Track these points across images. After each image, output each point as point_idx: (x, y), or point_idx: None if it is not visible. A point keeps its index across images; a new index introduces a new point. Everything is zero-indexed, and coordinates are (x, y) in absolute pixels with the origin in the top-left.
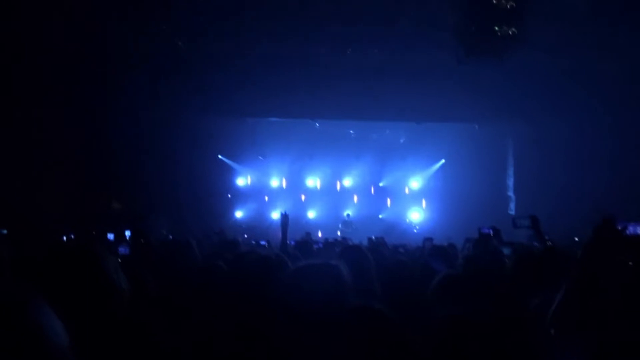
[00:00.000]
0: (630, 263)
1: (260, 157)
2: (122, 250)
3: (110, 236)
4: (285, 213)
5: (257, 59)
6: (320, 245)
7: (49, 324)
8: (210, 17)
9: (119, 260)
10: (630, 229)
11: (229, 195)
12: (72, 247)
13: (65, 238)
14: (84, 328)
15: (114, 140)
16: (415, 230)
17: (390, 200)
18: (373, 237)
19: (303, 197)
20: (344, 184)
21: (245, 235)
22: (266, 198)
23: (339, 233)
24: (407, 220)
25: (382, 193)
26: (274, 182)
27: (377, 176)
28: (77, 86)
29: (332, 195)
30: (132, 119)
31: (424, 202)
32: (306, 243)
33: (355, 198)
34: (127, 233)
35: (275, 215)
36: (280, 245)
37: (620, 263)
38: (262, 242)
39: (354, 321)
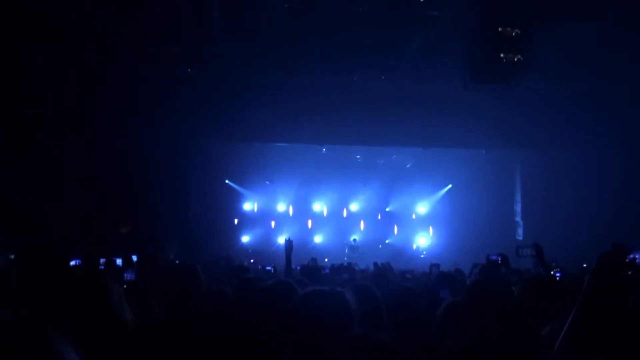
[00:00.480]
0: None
1: (267, 182)
2: (129, 276)
3: (119, 261)
4: (290, 239)
5: (265, 85)
6: (327, 271)
7: (65, 352)
8: (219, 44)
9: (125, 286)
10: (637, 257)
11: (236, 220)
12: (77, 276)
13: (72, 263)
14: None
15: (122, 165)
16: (422, 256)
17: (397, 226)
18: (379, 263)
19: (310, 222)
20: (350, 209)
21: (252, 260)
22: (273, 223)
23: (345, 258)
24: (414, 246)
25: (389, 218)
26: (281, 207)
27: (384, 201)
28: (87, 110)
29: (338, 221)
30: (141, 143)
31: (431, 227)
32: (314, 268)
33: (362, 223)
34: (134, 258)
35: (282, 240)
36: (285, 270)
37: (627, 290)
38: (268, 268)
39: (356, 350)
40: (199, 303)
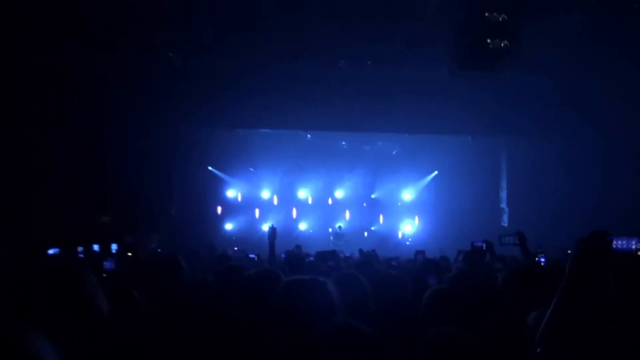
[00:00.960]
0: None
1: (251, 169)
2: (108, 265)
3: (96, 247)
4: (273, 226)
5: (249, 71)
6: (312, 258)
7: (39, 346)
8: (203, 30)
9: (104, 275)
10: (618, 243)
11: (219, 208)
12: (52, 267)
13: (51, 252)
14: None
15: (103, 152)
16: (407, 243)
17: (383, 213)
18: (364, 249)
19: (294, 210)
20: (336, 196)
21: (235, 248)
22: (257, 211)
23: (331, 246)
24: (400, 233)
25: (375, 205)
26: (265, 194)
27: (370, 188)
28: (66, 97)
29: (323, 208)
30: (123, 131)
31: (416, 214)
32: (298, 256)
33: (347, 210)
34: (114, 246)
35: (266, 227)
36: (268, 258)
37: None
38: (251, 255)
39: (339, 342)
40: (181, 292)
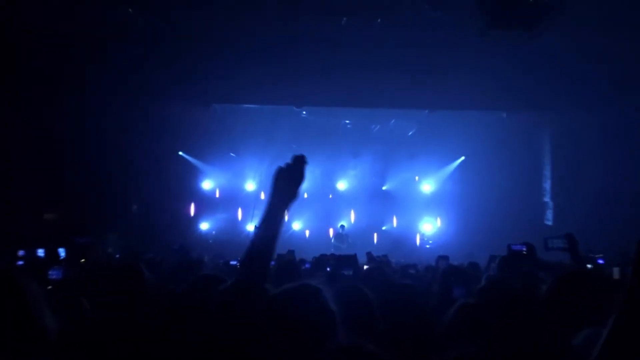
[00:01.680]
0: None
1: (232, 155)
2: (54, 274)
3: (40, 252)
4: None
5: (228, 32)
6: (308, 265)
7: None
8: None
9: (50, 287)
10: None
11: (192, 207)
12: None
13: None
14: None
15: (48, 136)
16: (428, 246)
17: (396, 209)
18: (374, 254)
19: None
20: (338, 188)
21: (215, 254)
22: (239, 210)
23: (332, 250)
24: (418, 234)
25: (386, 199)
26: (250, 186)
27: (380, 178)
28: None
29: (323, 203)
30: (70, 108)
31: (438, 211)
32: (290, 264)
33: (352, 210)
34: (62, 251)
35: (251, 227)
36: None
37: None
38: (233, 262)
39: None
40: (142, 307)
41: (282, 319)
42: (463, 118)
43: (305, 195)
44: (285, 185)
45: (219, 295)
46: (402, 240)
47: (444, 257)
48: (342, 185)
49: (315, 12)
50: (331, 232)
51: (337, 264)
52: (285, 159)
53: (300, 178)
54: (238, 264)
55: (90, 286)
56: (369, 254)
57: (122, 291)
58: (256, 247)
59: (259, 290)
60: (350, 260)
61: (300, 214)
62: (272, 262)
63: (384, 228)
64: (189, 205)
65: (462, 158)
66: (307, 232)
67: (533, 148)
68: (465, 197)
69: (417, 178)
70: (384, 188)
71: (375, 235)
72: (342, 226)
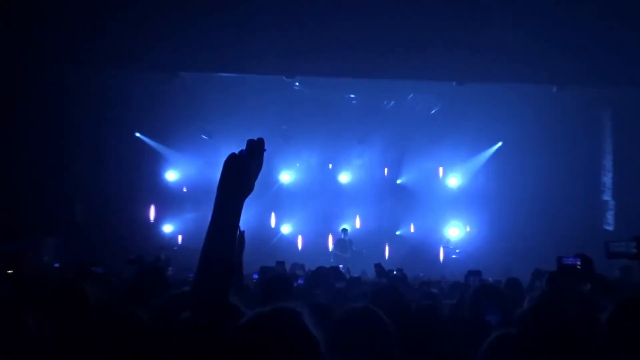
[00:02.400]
0: None
1: (204, 137)
2: None
3: None
4: (240, 230)
5: None
6: (302, 281)
7: None
8: None
9: None
10: None
11: (154, 200)
12: None
13: None
14: None
15: None
16: (454, 257)
17: (414, 208)
18: (385, 267)
19: (274, 203)
20: (340, 181)
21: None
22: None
23: (331, 260)
24: (442, 242)
25: (401, 196)
26: None
27: (393, 169)
28: None
29: (320, 199)
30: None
31: (468, 211)
32: (279, 278)
33: (358, 207)
34: None
35: None
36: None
37: None
38: None
39: None
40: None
41: (252, 354)
42: (500, 93)
43: (299, 189)
44: (237, 178)
45: (181, 328)
46: (421, 250)
47: (475, 273)
48: (344, 178)
49: None
50: (330, 240)
51: (312, 280)
52: (274, 145)
53: (257, 169)
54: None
55: (16, 307)
56: (378, 266)
57: (57, 317)
58: (208, 264)
59: (219, 321)
60: (327, 275)
61: (291, 215)
62: (255, 276)
63: (398, 233)
64: (150, 202)
65: (499, 144)
66: (300, 239)
67: (590, 133)
68: (502, 194)
69: (440, 169)
70: (398, 182)
71: (386, 247)
72: (345, 230)
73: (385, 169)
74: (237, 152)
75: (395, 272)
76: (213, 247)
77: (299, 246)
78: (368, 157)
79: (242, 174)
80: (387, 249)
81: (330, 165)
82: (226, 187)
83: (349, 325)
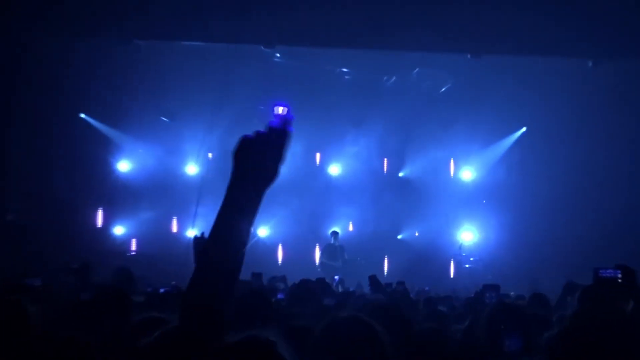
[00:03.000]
0: None
1: (164, 119)
2: None
3: None
4: (201, 235)
5: None
6: (282, 295)
7: None
8: None
9: None
10: None
11: (101, 196)
12: None
13: None
14: None
15: None
16: (467, 266)
17: (420, 207)
18: (385, 278)
19: None
20: (329, 173)
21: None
22: (174, 207)
23: (318, 270)
24: (455, 247)
25: (404, 192)
26: (190, 169)
27: (395, 160)
28: None
29: (306, 195)
30: None
31: (484, 211)
32: (255, 294)
33: (351, 205)
34: None
35: (192, 234)
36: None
37: None
38: (163, 290)
39: None
40: None
41: None
42: (525, 68)
43: (280, 184)
44: (255, 165)
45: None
46: (427, 258)
47: (493, 287)
48: (335, 170)
49: None
50: (317, 249)
51: (299, 294)
52: (248, 127)
53: (279, 154)
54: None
55: None
56: (372, 279)
57: None
58: (207, 274)
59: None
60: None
61: (269, 215)
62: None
63: (399, 237)
64: (97, 199)
65: (523, 130)
66: (280, 247)
67: (635, 117)
68: (526, 190)
69: (452, 161)
70: (400, 175)
71: (386, 250)
72: (335, 234)
73: (385, 160)
74: (251, 134)
75: (395, 286)
76: (220, 251)
77: (280, 256)
78: (364, 144)
79: (259, 161)
80: (386, 258)
81: (317, 155)
82: (241, 178)
83: (332, 340)
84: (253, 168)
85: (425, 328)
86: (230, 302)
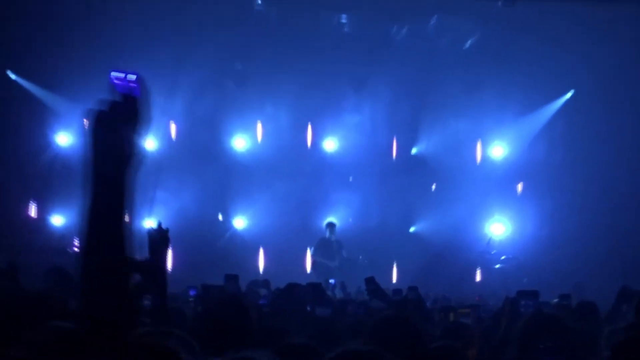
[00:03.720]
0: None
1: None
2: None
3: None
4: (160, 226)
5: None
6: (264, 301)
7: None
8: None
9: None
10: None
11: (35, 178)
12: None
13: None
14: None
15: None
16: (498, 267)
17: (439, 192)
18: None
19: (222, 187)
20: (324, 148)
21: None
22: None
23: (309, 270)
24: (482, 242)
25: (418, 174)
26: (148, 143)
27: (406, 134)
28: None
29: (293, 177)
30: None
31: (519, 198)
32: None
33: (351, 190)
34: None
35: (150, 224)
36: (152, 305)
37: None
38: None
39: None
40: None
41: None
42: (570, 14)
43: (261, 160)
44: (111, 144)
45: None
46: (447, 256)
47: (530, 294)
48: (331, 145)
49: None
50: (308, 249)
51: (284, 300)
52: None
53: (133, 124)
54: None
55: None
56: (370, 281)
57: None
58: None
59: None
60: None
61: (248, 202)
62: (193, 293)
63: (412, 231)
64: (30, 181)
65: (569, 95)
66: (261, 246)
67: None
68: (572, 172)
69: (479, 142)
70: (413, 152)
71: (394, 246)
72: (331, 226)
73: (394, 134)
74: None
75: (406, 293)
76: (92, 253)
77: (261, 254)
78: (368, 114)
79: (114, 137)
80: (395, 257)
81: (309, 128)
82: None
83: None
84: (101, 149)
85: (443, 346)
86: (121, 299)
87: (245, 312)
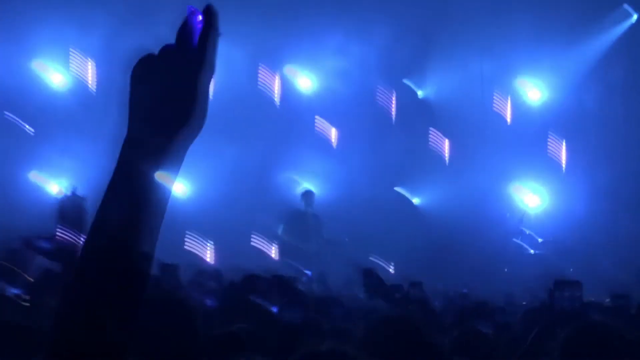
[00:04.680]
0: None
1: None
2: None
3: None
4: (75, 192)
5: None
6: (212, 300)
7: None
8: None
9: None
10: None
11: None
12: None
13: None
14: None
15: None
16: (532, 252)
17: (453, 152)
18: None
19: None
20: (297, 88)
21: None
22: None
23: (273, 253)
24: (511, 219)
25: (424, 128)
26: (56, 78)
27: (409, 72)
28: None
29: (253, 129)
30: None
31: (559, 162)
32: (168, 303)
33: (335, 135)
34: None
35: (58, 191)
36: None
37: None
38: (15, 291)
39: None
40: None
41: None
42: None
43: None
44: (165, 100)
45: None
46: (464, 239)
47: (571, 284)
48: (306, 83)
49: None
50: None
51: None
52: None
53: (205, 78)
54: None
55: None
56: (368, 276)
57: None
58: (97, 261)
59: None
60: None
61: (190, 162)
62: None
63: (416, 202)
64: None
65: (633, 20)
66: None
67: None
68: (633, 124)
69: (509, 85)
70: (419, 95)
71: (392, 224)
72: (308, 195)
73: (392, 74)
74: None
75: (407, 289)
76: (113, 245)
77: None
78: (358, 50)
79: (172, 91)
80: (392, 240)
81: (286, 70)
82: (144, 122)
83: None
84: (156, 111)
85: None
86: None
87: (188, 314)
